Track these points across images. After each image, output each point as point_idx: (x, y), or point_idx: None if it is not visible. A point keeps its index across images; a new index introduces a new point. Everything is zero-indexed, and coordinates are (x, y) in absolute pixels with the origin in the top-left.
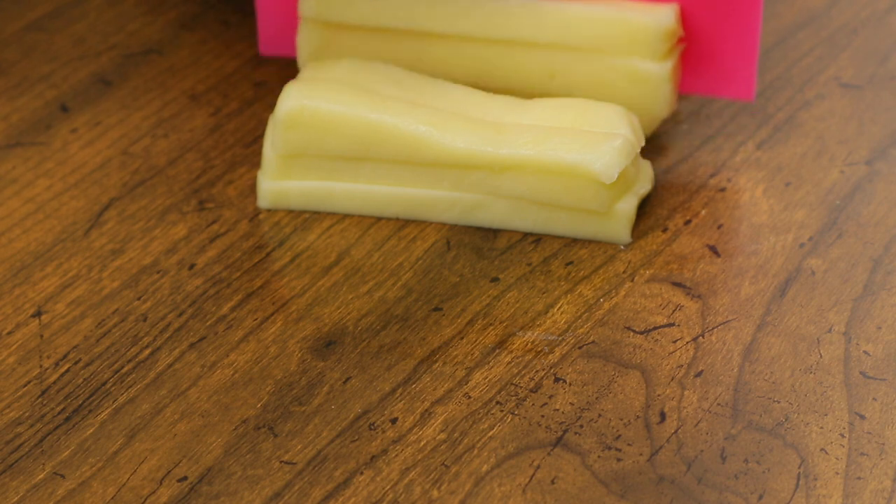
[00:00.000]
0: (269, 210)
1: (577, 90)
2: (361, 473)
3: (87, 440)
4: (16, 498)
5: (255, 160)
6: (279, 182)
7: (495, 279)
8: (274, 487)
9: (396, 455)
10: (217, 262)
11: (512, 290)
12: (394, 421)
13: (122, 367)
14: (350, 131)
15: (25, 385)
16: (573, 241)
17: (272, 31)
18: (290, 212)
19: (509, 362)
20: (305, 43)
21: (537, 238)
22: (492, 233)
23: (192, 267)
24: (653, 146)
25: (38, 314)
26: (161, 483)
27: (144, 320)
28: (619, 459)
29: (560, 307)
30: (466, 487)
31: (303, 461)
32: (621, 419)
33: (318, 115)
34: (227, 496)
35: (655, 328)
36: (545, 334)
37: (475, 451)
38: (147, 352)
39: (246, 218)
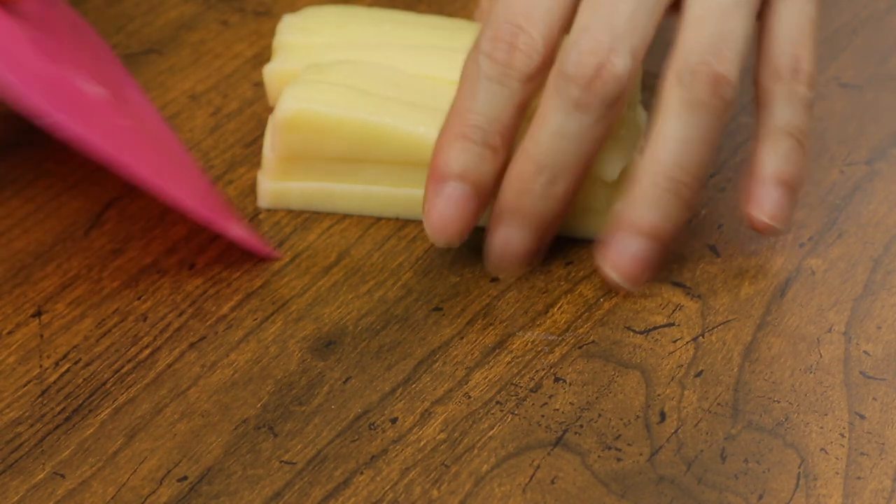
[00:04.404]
0: (269, 210)
1: None
2: (361, 473)
3: (87, 440)
4: (16, 498)
5: (255, 160)
6: (279, 182)
7: (495, 279)
8: (274, 487)
9: (396, 455)
10: (217, 262)
11: (512, 290)
12: (394, 421)
13: (122, 367)
14: (349, 133)
15: (25, 385)
16: (573, 241)
17: None
18: (290, 212)
19: (509, 362)
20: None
21: None
22: None
23: (192, 267)
24: None
25: (38, 314)
26: (161, 483)
27: (144, 320)
28: (619, 459)
29: (560, 307)
30: (466, 487)
31: (303, 461)
32: (621, 419)
33: (318, 117)
34: (227, 496)
35: (655, 328)
36: (545, 334)
37: (475, 451)
38: (147, 352)
39: (246, 218)
